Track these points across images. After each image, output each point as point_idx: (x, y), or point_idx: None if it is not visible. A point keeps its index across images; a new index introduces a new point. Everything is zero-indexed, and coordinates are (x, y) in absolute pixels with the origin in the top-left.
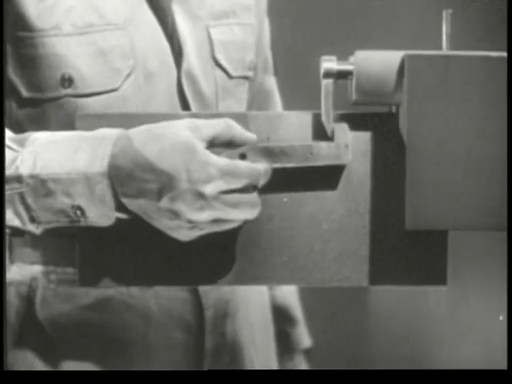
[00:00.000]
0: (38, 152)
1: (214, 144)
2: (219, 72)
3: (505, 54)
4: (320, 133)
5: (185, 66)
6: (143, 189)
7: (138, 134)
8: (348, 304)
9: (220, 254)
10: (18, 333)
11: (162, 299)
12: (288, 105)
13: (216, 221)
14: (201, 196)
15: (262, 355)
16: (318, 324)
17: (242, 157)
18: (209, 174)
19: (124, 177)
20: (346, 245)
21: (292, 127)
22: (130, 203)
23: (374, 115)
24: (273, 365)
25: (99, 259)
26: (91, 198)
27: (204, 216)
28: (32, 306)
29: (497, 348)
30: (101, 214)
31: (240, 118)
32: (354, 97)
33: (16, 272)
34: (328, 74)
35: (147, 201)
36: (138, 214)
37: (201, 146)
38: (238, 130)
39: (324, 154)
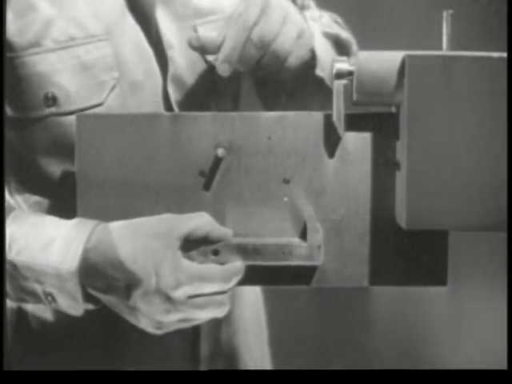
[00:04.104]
0: (15, 237)
1: (189, 239)
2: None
3: (505, 55)
4: (320, 133)
5: (171, 70)
6: (112, 286)
7: (116, 228)
8: (348, 304)
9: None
10: (10, 339)
11: None
12: (287, 105)
13: (183, 320)
14: (168, 300)
15: (256, 359)
16: (319, 324)
17: (215, 253)
18: (178, 279)
19: (95, 272)
20: (346, 245)
21: (292, 127)
22: (100, 296)
23: (375, 115)
24: (266, 367)
25: None
26: (62, 291)
27: (171, 318)
28: (24, 313)
29: (497, 348)
30: (70, 306)
31: (237, 119)
32: (354, 97)
33: None
34: (340, 75)
35: (116, 298)
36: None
37: (174, 249)
38: (213, 227)
39: (296, 254)
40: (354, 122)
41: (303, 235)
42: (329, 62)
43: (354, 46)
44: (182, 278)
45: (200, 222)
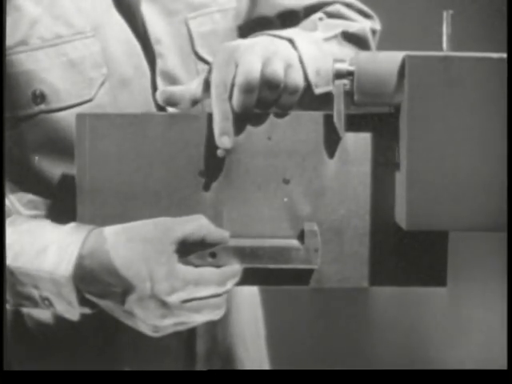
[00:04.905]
0: (10, 242)
1: (186, 243)
2: (202, 66)
3: (505, 55)
4: (320, 133)
5: (159, 66)
6: (108, 291)
7: (111, 234)
8: (348, 304)
9: None
10: (8, 338)
11: None
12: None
13: (179, 324)
14: (164, 305)
15: (253, 359)
16: (319, 324)
17: (213, 256)
18: (172, 285)
19: (90, 277)
20: (346, 245)
21: (292, 127)
22: (97, 301)
23: (374, 115)
24: (264, 366)
25: None
26: (58, 296)
27: (166, 322)
28: (20, 313)
29: (497, 348)
30: (66, 310)
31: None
32: (354, 97)
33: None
34: (339, 75)
35: (112, 303)
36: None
37: (169, 253)
38: (209, 230)
39: (293, 257)
40: (354, 123)
41: (301, 238)
42: (325, 75)
43: (369, 32)
44: (176, 283)
45: (196, 225)
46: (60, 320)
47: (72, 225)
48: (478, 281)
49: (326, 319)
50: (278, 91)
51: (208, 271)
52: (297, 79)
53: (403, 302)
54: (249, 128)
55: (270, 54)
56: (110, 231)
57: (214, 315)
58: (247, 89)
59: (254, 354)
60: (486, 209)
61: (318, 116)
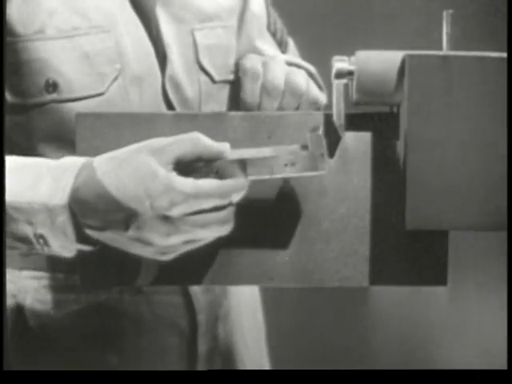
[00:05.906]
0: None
1: (182, 164)
2: (203, 77)
3: (505, 55)
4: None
5: (169, 71)
6: (109, 220)
7: (101, 163)
8: (348, 304)
9: (220, 254)
10: (8, 338)
11: (154, 304)
12: None
13: (187, 242)
14: (166, 220)
15: (254, 357)
16: (319, 324)
17: (214, 171)
18: (171, 199)
19: (88, 210)
20: (347, 245)
21: (292, 127)
22: (99, 235)
23: (375, 115)
24: (265, 366)
25: (98, 260)
26: (53, 229)
27: (173, 240)
28: (21, 312)
29: (497, 348)
30: (62, 246)
31: (239, 119)
32: (354, 97)
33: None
34: (340, 75)
35: (115, 232)
36: (103, 244)
37: (162, 171)
38: (206, 147)
39: (299, 164)
40: (354, 122)
41: (305, 145)
42: None
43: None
44: (175, 196)
45: (190, 144)
46: (60, 320)
47: (66, 158)
48: (478, 280)
49: (326, 319)
50: (300, 99)
51: (208, 183)
52: (317, 92)
53: (403, 302)
54: (249, 127)
55: (291, 68)
56: (99, 160)
57: (222, 230)
58: (273, 92)
59: (254, 353)
60: (485, 208)
61: (318, 115)
